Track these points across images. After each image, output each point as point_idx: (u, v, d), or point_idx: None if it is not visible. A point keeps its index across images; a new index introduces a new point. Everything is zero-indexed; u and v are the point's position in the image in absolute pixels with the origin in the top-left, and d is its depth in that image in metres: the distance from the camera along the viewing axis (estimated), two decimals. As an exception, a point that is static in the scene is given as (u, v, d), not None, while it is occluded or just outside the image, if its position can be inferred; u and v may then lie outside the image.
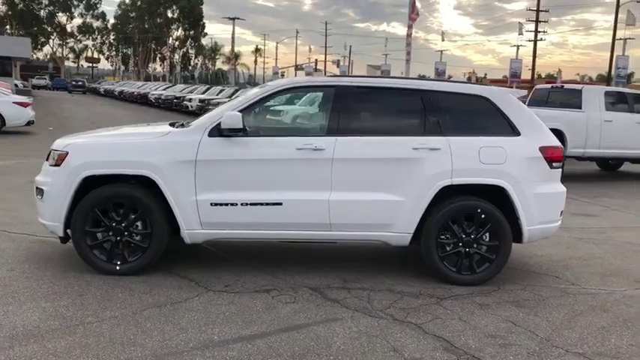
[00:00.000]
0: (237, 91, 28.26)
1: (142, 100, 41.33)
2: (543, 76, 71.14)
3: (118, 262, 5.10)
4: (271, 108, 5.39)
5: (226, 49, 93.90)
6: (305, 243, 5.76)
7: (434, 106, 5.30)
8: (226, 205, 5.08)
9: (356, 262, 5.80)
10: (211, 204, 5.07)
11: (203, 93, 32.15)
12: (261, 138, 5.19)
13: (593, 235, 7.55)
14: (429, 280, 5.27)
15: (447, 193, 5.19)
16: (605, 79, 44.70)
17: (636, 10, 39.91)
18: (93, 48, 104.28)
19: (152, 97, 38.53)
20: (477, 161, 5.18)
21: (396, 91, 5.44)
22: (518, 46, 54.22)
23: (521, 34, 50.91)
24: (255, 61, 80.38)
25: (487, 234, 5.26)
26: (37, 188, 5.27)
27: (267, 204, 5.10)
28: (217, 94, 29.94)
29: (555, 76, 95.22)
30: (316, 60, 77.95)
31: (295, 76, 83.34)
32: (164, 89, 40.46)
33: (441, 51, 63.47)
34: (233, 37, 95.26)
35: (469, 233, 5.22)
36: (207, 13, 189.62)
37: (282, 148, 5.14)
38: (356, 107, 5.29)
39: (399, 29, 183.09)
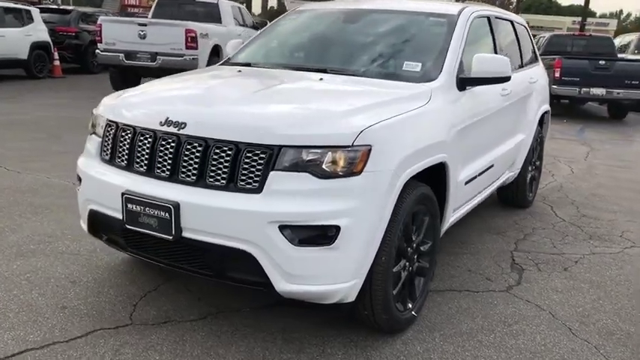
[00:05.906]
0: None
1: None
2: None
3: (410, 305, 3.15)
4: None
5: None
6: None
7: (518, 37, 5.18)
8: (471, 180, 3.78)
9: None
10: (465, 183, 3.68)
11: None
12: (479, 87, 3.84)
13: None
14: (520, 214, 5.37)
15: None
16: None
17: None
18: None
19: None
20: (546, 89, 5.49)
21: (505, 22, 4.95)
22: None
23: None
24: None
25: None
26: (315, 227, 2.48)
27: (487, 169, 4.08)
28: None
29: None
30: None
31: None
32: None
33: None
34: None
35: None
36: None
37: (495, 96, 4.09)
38: (499, 40, 4.59)
39: None
